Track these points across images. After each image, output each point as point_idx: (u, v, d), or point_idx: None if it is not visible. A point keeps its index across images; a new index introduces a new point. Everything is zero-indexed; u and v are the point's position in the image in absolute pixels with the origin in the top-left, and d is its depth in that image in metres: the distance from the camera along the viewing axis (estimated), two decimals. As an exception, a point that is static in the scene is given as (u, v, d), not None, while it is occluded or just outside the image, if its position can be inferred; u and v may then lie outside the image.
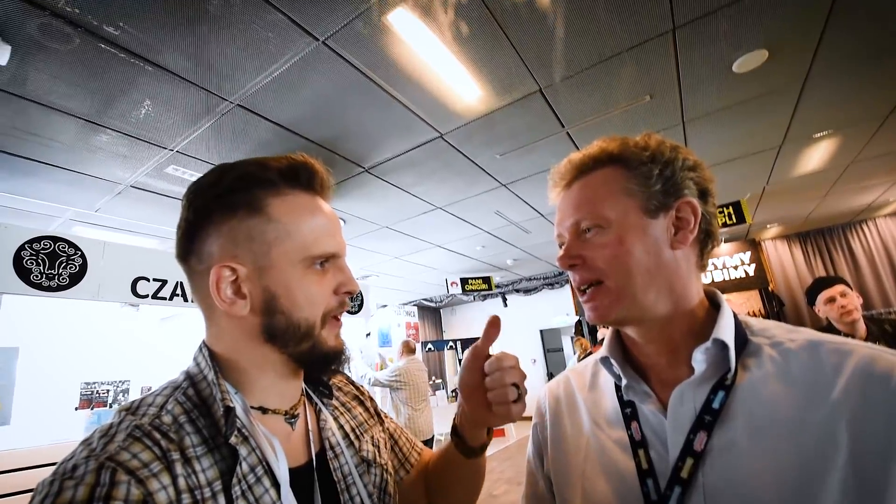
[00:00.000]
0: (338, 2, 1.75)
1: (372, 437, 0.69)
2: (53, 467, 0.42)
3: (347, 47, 1.99)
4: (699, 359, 0.52)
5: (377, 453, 0.67)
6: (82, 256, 2.06)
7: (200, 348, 0.56)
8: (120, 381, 4.04)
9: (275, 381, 0.57)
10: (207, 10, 1.72)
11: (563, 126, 2.88)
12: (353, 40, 1.95)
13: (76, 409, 3.93)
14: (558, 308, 8.47)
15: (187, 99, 2.22)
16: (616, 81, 2.45)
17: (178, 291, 2.45)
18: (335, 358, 0.57)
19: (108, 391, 3.92)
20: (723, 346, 0.52)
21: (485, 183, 3.69)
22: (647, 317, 0.55)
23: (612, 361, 0.61)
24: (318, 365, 0.57)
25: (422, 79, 2.26)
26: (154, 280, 2.35)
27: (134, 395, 4.09)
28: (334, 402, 0.69)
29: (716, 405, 0.51)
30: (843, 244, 6.14)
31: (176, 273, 2.45)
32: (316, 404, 0.65)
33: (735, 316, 0.57)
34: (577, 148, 3.10)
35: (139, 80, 2.05)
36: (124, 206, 3.30)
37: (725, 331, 0.53)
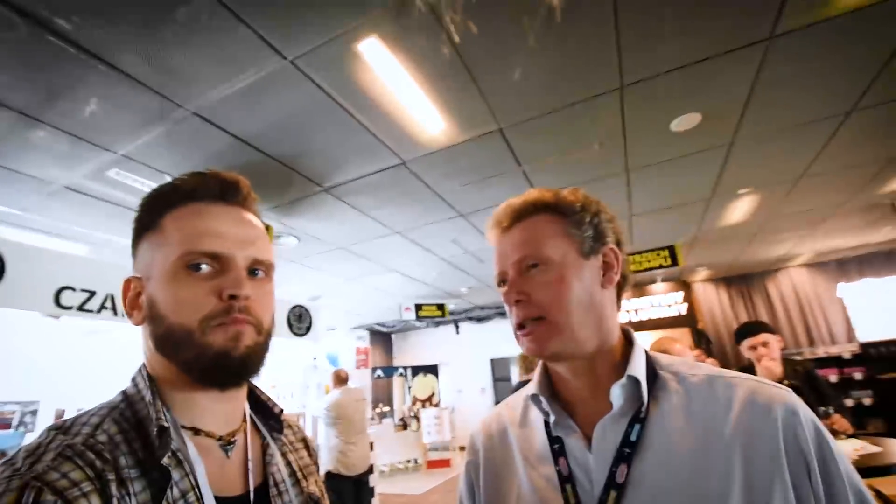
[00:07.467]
0: (310, 25, 1.78)
1: (316, 481, 0.68)
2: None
3: (316, 69, 2.01)
4: (616, 394, 0.57)
5: (322, 496, 0.66)
6: (0, 259, 1.86)
7: (140, 369, 0.55)
8: (28, 402, 3.57)
9: (192, 397, 0.54)
10: (174, 16, 1.69)
11: (519, 164, 3.03)
12: (323, 63, 1.98)
13: (-27, 430, 3.41)
14: (509, 336, 8.53)
15: (139, 102, 2.13)
16: (569, 128, 2.64)
17: (108, 304, 2.25)
18: (227, 361, 0.51)
19: (14, 412, 3.45)
20: (636, 381, 0.57)
21: (444, 211, 3.77)
22: (579, 352, 0.59)
23: (542, 399, 0.63)
24: (213, 372, 0.52)
25: (388, 107, 2.32)
26: (81, 290, 2.16)
27: (44, 419, 3.62)
28: (284, 438, 0.67)
29: (633, 438, 0.55)
30: (762, 290, 6.78)
31: (106, 284, 2.26)
32: (264, 437, 0.63)
33: (645, 352, 0.62)
34: (532, 185, 3.26)
35: (88, 78, 1.95)
36: (56, 207, 3.04)
37: (638, 367, 0.58)
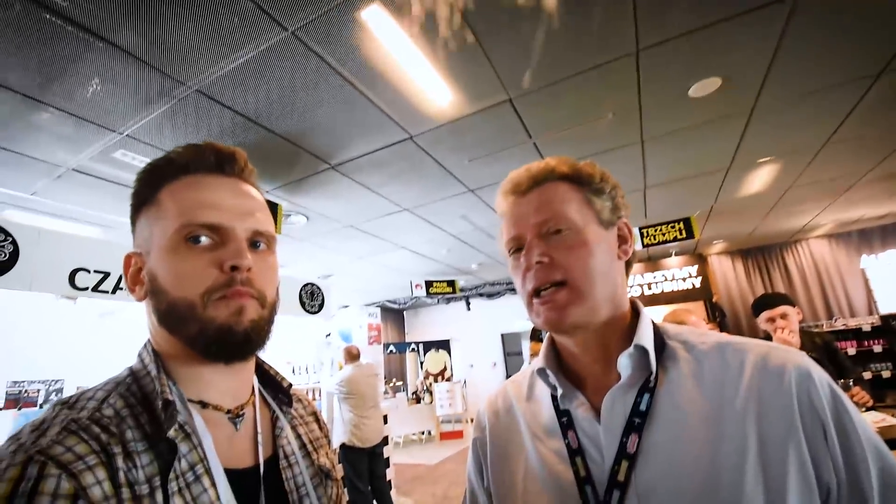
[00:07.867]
0: (310, -6, 1.71)
1: (326, 453, 0.68)
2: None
3: (318, 40, 1.95)
4: (624, 363, 0.56)
5: (332, 468, 0.66)
6: (14, 244, 1.88)
7: (145, 345, 0.55)
8: (53, 381, 3.71)
9: (197, 371, 0.54)
10: (169, -11, 1.63)
11: (530, 136, 2.94)
12: (325, 34, 1.91)
13: (0, 409, 3.57)
14: (520, 312, 8.62)
15: (141, 81, 2.09)
16: (582, 97, 2.53)
17: (122, 285, 2.29)
18: (231, 336, 0.50)
19: (38, 391, 3.59)
20: (644, 351, 0.56)
21: (453, 187, 3.71)
22: (594, 322, 0.58)
23: (549, 372, 0.62)
24: (217, 347, 0.51)
25: (393, 79, 2.24)
26: (95, 272, 2.18)
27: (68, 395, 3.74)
28: (293, 412, 0.67)
29: (643, 407, 0.54)
30: (779, 262, 6.63)
31: (120, 265, 2.29)
32: (273, 411, 0.63)
33: (653, 322, 0.61)
34: (542, 158, 3.19)
35: (88, 57, 1.91)
36: (65, 190, 3.07)
37: (645, 336, 0.57)
